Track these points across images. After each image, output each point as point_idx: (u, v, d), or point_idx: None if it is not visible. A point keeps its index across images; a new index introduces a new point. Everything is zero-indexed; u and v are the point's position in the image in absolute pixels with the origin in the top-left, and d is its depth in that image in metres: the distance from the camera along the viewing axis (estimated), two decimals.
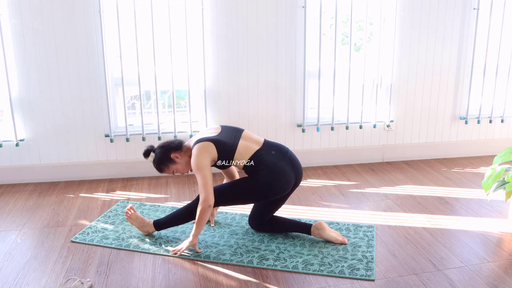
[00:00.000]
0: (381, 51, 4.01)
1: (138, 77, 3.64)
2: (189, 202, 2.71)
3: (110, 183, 3.72)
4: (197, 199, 2.61)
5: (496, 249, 2.61)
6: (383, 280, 2.31)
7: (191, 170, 2.64)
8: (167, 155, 2.62)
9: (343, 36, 4.04)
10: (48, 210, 3.18)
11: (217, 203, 2.60)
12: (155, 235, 2.77)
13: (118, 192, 3.54)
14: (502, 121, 4.37)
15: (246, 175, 2.61)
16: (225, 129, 2.66)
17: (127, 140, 3.76)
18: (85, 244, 2.69)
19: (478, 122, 4.35)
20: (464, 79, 4.22)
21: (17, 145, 3.63)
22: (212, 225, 2.91)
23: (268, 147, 2.63)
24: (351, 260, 2.48)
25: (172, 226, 2.73)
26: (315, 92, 4.00)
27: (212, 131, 2.65)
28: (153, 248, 2.62)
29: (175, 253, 2.56)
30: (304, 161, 4.11)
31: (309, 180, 3.78)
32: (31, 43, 3.49)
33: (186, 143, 2.69)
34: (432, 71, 4.14)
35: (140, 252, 2.59)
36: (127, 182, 3.74)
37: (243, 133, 2.65)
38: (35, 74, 3.55)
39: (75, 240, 2.72)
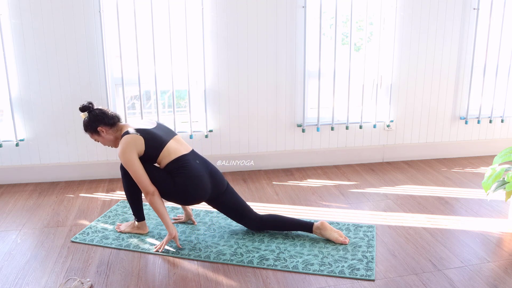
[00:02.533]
0: (381, 51, 4.01)
1: (138, 77, 3.64)
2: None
3: (110, 183, 3.72)
4: (124, 176, 2.66)
5: (496, 249, 2.61)
6: (383, 280, 2.31)
7: (114, 147, 2.70)
8: (94, 125, 2.61)
9: (343, 36, 4.04)
10: (48, 210, 3.18)
11: None
12: (155, 235, 2.77)
13: (118, 192, 3.54)
14: (502, 121, 4.37)
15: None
16: (160, 126, 2.69)
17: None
18: (85, 244, 2.69)
19: (478, 122, 4.35)
20: (464, 79, 4.22)
21: (17, 145, 3.63)
22: (194, 223, 2.93)
23: (195, 156, 2.67)
24: (351, 260, 2.48)
25: (141, 208, 2.75)
26: (315, 92, 4.00)
27: (148, 123, 2.66)
28: (153, 248, 2.62)
29: (157, 250, 2.58)
30: (304, 161, 4.11)
31: (309, 180, 3.78)
32: (31, 43, 3.49)
33: (122, 123, 2.68)
34: (432, 71, 4.14)
35: (140, 252, 2.59)
36: None
37: (176, 136, 2.69)
38: (35, 74, 3.55)
39: (75, 240, 2.72)
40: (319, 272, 2.36)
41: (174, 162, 2.56)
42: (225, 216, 3.04)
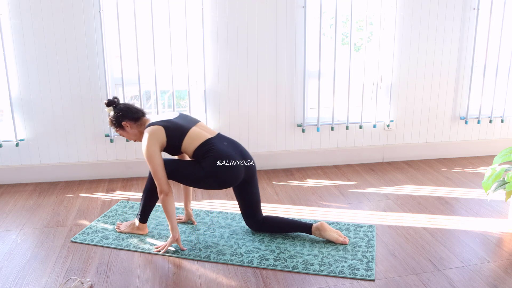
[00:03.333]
0: (381, 51, 4.01)
1: (138, 77, 3.64)
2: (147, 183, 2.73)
3: (110, 183, 3.72)
4: (151, 176, 2.65)
5: (496, 249, 2.61)
6: (383, 280, 2.31)
7: (139, 141, 2.72)
8: (119, 119, 2.63)
9: (343, 36, 4.04)
10: (48, 210, 3.18)
11: (169, 177, 2.59)
12: (155, 235, 2.77)
13: (118, 192, 3.54)
14: (502, 121, 4.37)
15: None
16: (183, 115, 2.69)
17: (127, 140, 3.76)
18: (85, 244, 2.69)
19: (478, 122, 4.35)
20: (464, 79, 4.22)
21: (17, 145, 3.63)
22: (194, 223, 2.93)
23: (221, 138, 2.63)
24: (351, 260, 2.48)
25: (150, 211, 2.74)
26: (315, 92, 4.00)
27: (170, 114, 2.67)
28: (153, 248, 2.62)
29: (159, 251, 2.58)
30: (304, 161, 4.11)
31: (309, 180, 3.78)
32: (31, 43, 3.49)
33: (146, 117, 2.70)
34: (432, 71, 4.14)
35: (140, 252, 2.59)
36: (127, 182, 3.74)
37: (199, 123, 2.68)
38: (35, 74, 3.55)
39: (75, 240, 2.72)
40: (319, 272, 2.36)
41: (200, 148, 2.53)
42: (225, 216, 3.04)
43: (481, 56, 4.21)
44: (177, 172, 2.54)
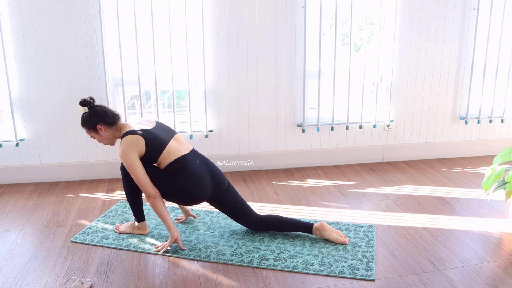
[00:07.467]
0: (381, 51, 4.01)
1: (138, 77, 3.64)
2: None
3: (110, 183, 3.72)
4: (125, 176, 2.66)
5: (496, 249, 2.61)
6: (383, 280, 2.31)
7: (110, 145, 2.67)
8: (93, 122, 2.56)
9: (343, 36, 4.04)
10: (48, 210, 3.18)
11: None
12: (155, 235, 2.77)
13: (118, 192, 3.54)
14: (502, 121, 4.37)
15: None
16: (160, 125, 2.66)
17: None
18: (85, 244, 2.69)
19: (478, 122, 4.35)
20: (464, 79, 4.22)
21: (17, 145, 3.63)
22: (195, 218, 2.95)
23: (195, 155, 2.65)
24: (351, 260, 2.48)
25: (141, 208, 2.75)
26: (315, 92, 4.00)
27: (147, 123, 2.63)
28: (153, 248, 2.62)
29: (158, 251, 2.58)
30: (304, 161, 4.11)
31: (309, 180, 3.78)
32: (31, 43, 3.49)
33: (122, 122, 2.62)
34: (432, 71, 4.14)
35: (140, 252, 2.59)
36: None
37: (176, 135, 2.67)
38: (35, 74, 3.55)
39: (75, 240, 2.72)
40: (319, 272, 2.36)
41: (174, 163, 2.55)
42: (225, 216, 3.04)
43: (481, 56, 4.21)
44: (155, 178, 2.55)
